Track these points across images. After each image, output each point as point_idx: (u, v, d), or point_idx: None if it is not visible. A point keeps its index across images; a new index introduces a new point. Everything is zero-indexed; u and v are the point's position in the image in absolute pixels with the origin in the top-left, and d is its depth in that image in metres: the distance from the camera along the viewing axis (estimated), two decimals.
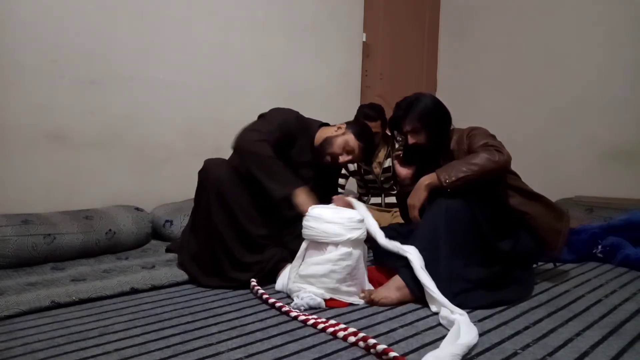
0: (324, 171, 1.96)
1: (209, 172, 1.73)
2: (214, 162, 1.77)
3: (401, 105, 1.73)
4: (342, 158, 1.86)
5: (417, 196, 1.59)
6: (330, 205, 1.60)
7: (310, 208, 1.55)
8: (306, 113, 2.06)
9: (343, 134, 1.86)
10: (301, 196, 1.61)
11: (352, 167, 2.64)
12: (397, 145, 2.51)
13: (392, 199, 2.60)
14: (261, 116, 1.88)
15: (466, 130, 1.72)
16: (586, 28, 3.36)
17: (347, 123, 1.93)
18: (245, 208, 1.69)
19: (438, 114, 1.72)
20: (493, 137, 1.69)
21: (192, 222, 1.83)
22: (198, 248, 1.74)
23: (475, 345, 1.12)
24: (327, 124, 1.99)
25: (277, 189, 1.64)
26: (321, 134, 1.91)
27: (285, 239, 1.77)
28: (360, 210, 1.63)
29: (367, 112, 2.48)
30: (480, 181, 1.55)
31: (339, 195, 1.79)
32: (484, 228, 1.53)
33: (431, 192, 1.58)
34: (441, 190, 1.56)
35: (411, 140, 1.71)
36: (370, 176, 2.61)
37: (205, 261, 1.70)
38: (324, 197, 1.75)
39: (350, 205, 1.67)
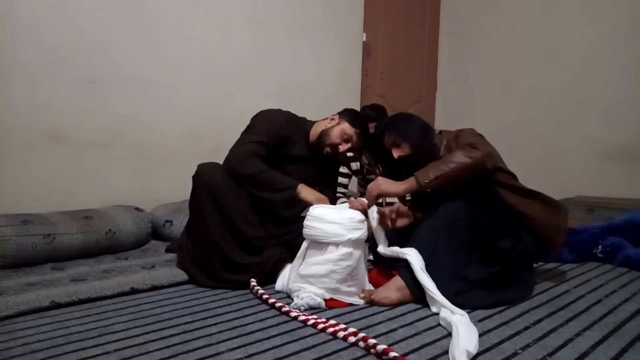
0: (323, 166, 1.97)
1: (202, 177, 1.72)
2: (207, 166, 1.76)
3: (376, 129, 1.85)
4: (342, 147, 1.89)
5: (389, 189, 1.57)
6: (341, 204, 1.60)
7: (311, 207, 1.55)
8: (306, 113, 2.06)
9: (338, 123, 1.89)
10: (304, 191, 1.73)
11: (355, 166, 2.64)
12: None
13: (394, 198, 2.58)
14: (248, 127, 1.86)
15: (453, 133, 1.72)
16: (586, 28, 3.35)
17: (339, 113, 1.94)
18: (240, 210, 1.69)
19: (415, 123, 1.75)
20: (480, 136, 1.68)
21: (188, 229, 1.82)
22: (195, 254, 1.73)
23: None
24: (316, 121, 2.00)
25: (280, 197, 1.73)
26: (316, 129, 1.92)
27: (286, 237, 1.77)
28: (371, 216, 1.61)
29: (369, 113, 2.48)
30: (462, 179, 1.52)
31: (359, 198, 1.68)
32: (482, 228, 1.52)
33: (429, 194, 1.56)
34: (440, 193, 1.53)
35: (396, 154, 1.70)
36: (373, 176, 2.61)
37: (204, 266, 1.70)
38: (325, 191, 1.82)
39: (364, 208, 1.60)
